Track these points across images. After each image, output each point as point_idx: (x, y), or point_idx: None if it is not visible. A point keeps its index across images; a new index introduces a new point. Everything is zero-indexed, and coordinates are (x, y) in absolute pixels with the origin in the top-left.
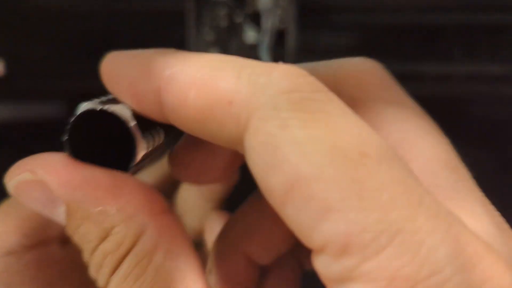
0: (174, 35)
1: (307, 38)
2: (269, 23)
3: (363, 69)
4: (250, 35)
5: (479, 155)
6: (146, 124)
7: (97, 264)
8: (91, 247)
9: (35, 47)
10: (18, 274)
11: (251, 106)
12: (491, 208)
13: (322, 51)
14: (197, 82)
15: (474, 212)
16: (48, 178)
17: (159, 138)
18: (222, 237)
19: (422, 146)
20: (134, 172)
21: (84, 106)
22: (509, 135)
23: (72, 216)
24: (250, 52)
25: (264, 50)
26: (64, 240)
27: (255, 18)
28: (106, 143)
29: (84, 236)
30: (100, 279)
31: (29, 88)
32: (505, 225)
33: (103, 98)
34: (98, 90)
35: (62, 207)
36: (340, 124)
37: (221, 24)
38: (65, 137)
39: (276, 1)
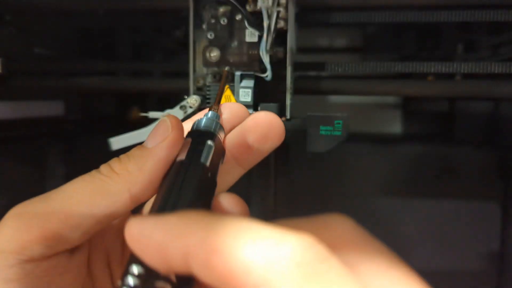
0: (174, 35)
1: (307, 38)
2: (269, 23)
3: (338, 226)
4: (250, 35)
5: (479, 155)
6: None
7: None
8: None
9: (35, 47)
10: (37, 280)
11: (268, 278)
12: None
13: (321, 51)
14: (220, 250)
15: None
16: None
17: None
18: None
19: None
20: None
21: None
22: (509, 135)
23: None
24: (250, 51)
25: (264, 50)
26: (72, 251)
27: (255, 18)
28: None
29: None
30: None
31: (29, 88)
32: None
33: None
34: (98, 90)
35: None
36: None
37: (221, 23)
38: None
39: (276, 1)
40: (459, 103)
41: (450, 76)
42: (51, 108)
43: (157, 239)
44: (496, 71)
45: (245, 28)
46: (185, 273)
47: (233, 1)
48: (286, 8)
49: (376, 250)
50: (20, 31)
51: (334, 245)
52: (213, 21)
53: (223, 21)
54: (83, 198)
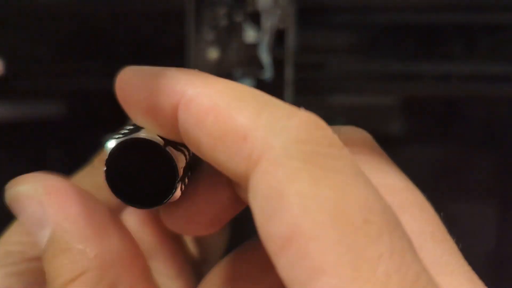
0: (174, 35)
1: (307, 38)
2: (269, 23)
3: (355, 137)
4: (250, 35)
5: (479, 155)
6: (172, 141)
7: None
8: (59, 283)
9: (35, 47)
10: (40, 277)
11: (265, 147)
12: (479, 283)
13: (321, 51)
14: (217, 109)
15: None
16: (46, 199)
17: (189, 152)
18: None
19: (405, 219)
20: (182, 191)
21: (113, 141)
22: (509, 135)
23: (53, 244)
24: (250, 52)
25: (264, 50)
26: None
27: (255, 18)
28: (145, 174)
29: (56, 268)
30: None
31: (29, 88)
32: None
33: (124, 130)
34: (98, 89)
35: (48, 231)
36: (348, 185)
37: (221, 23)
38: (104, 171)
39: (276, 1)
40: (458, 104)
41: (449, 77)
42: (52, 109)
43: (145, 86)
44: (495, 72)
45: (245, 29)
46: (173, 137)
47: (233, 2)
48: (286, 8)
49: (389, 167)
50: (22, 32)
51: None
52: (213, 21)
53: (223, 22)
54: None
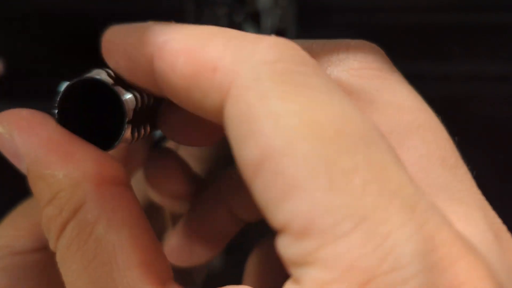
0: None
1: (307, 38)
2: (269, 23)
3: (364, 52)
4: None
5: (479, 155)
6: (131, 86)
7: (46, 226)
8: (42, 206)
9: (35, 47)
10: (25, 271)
11: (234, 74)
12: (491, 214)
13: None
14: (186, 49)
15: (469, 216)
16: (15, 133)
17: (149, 99)
18: (208, 190)
19: (413, 141)
20: (133, 135)
21: (64, 84)
22: (509, 135)
23: (30, 174)
24: None
25: None
26: None
27: (255, 18)
28: (96, 116)
29: (37, 193)
30: (50, 243)
31: (29, 88)
32: (506, 234)
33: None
34: None
35: (24, 162)
36: (321, 100)
37: (221, 24)
38: (55, 109)
39: (276, 1)
40: (458, 104)
41: (449, 77)
42: (52, 109)
43: (124, 41)
44: (495, 72)
45: (245, 29)
46: (155, 88)
47: (233, 2)
48: (286, 8)
49: (400, 85)
50: (22, 32)
51: (356, 73)
52: (213, 21)
53: (223, 22)
54: None
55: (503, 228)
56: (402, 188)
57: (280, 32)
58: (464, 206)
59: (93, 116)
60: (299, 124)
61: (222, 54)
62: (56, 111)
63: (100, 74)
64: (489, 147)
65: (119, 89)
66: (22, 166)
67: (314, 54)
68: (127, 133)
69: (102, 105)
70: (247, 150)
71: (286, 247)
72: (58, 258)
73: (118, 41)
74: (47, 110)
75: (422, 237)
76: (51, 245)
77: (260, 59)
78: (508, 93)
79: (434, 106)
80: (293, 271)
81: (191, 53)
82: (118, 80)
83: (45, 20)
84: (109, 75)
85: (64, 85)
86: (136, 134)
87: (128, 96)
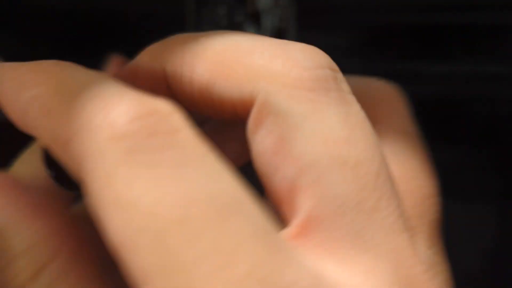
0: (174, 35)
1: (307, 38)
2: (269, 23)
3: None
4: None
5: (479, 155)
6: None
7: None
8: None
9: (35, 47)
10: None
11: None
12: (406, 265)
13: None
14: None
15: (375, 267)
16: None
17: None
18: None
19: (333, 179)
20: None
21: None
22: (509, 135)
23: None
24: None
25: None
26: None
27: (255, 18)
28: None
29: (3, 249)
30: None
31: None
32: (423, 284)
33: None
34: None
35: None
36: (170, 178)
37: (221, 24)
38: (41, 155)
39: (276, 1)
40: (458, 104)
41: (449, 77)
42: None
43: (6, 86)
44: (495, 72)
45: (245, 29)
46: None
47: (233, 2)
48: (286, 8)
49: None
50: (22, 32)
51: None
52: (213, 21)
53: (223, 22)
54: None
55: (421, 279)
56: (254, 270)
57: (280, 32)
58: (372, 256)
59: None
60: (141, 212)
61: (81, 126)
62: (42, 153)
63: None
64: (489, 147)
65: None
66: None
67: (256, 61)
68: None
69: None
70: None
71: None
72: None
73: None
74: None
75: None
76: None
77: (110, 131)
78: (508, 93)
79: (434, 106)
80: None
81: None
82: None
83: (45, 20)
84: None
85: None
86: None
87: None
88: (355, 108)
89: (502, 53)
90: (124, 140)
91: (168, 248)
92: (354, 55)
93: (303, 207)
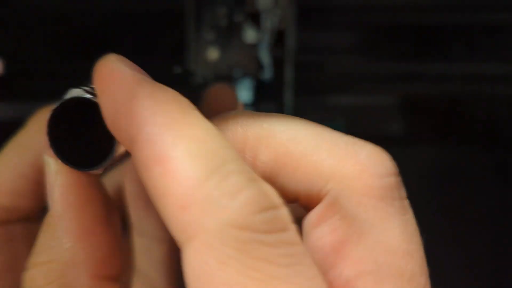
0: (174, 35)
1: (307, 38)
2: (269, 23)
3: (371, 168)
4: (250, 35)
5: (479, 155)
6: None
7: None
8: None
9: (35, 47)
10: None
11: (199, 227)
12: None
13: (321, 51)
14: (166, 161)
15: None
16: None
17: None
18: None
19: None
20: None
21: (56, 103)
22: (509, 135)
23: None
24: (250, 52)
25: (264, 50)
26: (30, 220)
27: (255, 18)
28: (86, 135)
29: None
30: None
31: (29, 88)
32: None
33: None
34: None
35: None
36: (276, 278)
37: (221, 24)
38: (46, 133)
39: (276, 1)
40: (458, 104)
41: (449, 77)
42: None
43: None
44: (495, 72)
45: (245, 29)
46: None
47: (233, 2)
48: (286, 8)
49: (397, 221)
50: (22, 32)
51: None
52: (213, 21)
53: (223, 22)
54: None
55: None
56: None
57: (280, 32)
58: None
59: (80, 131)
60: None
61: (194, 197)
62: (46, 130)
63: (84, 94)
64: (489, 147)
65: None
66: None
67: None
68: (116, 153)
69: (91, 125)
70: None
71: None
72: None
73: (112, 90)
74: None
75: None
76: None
77: (229, 220)
78: (508, 93)
79: (434, 106)
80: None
81: (169, 171)
82: None
83: (45, 20)
84: (92, 93)
85: (55, 103)
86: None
87: None
88: (411, 215)
89: (502, 53)
90: (244, 230)
91: None
92: (354, 55)
93: None
